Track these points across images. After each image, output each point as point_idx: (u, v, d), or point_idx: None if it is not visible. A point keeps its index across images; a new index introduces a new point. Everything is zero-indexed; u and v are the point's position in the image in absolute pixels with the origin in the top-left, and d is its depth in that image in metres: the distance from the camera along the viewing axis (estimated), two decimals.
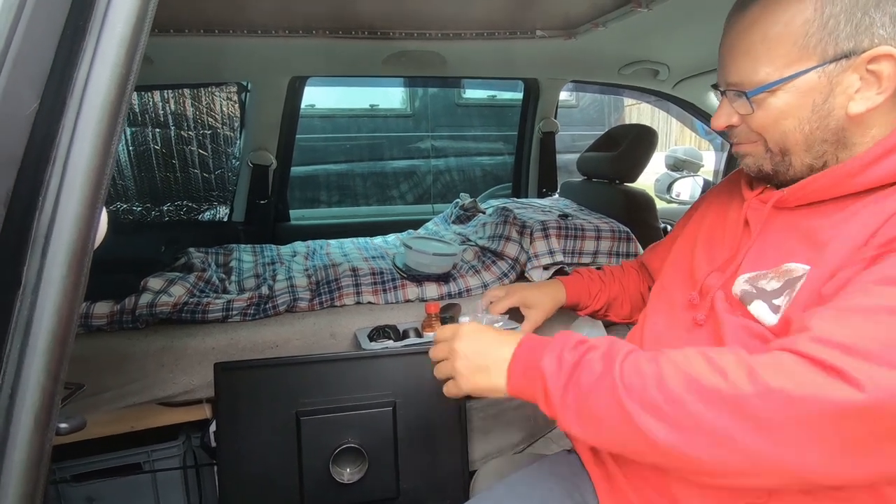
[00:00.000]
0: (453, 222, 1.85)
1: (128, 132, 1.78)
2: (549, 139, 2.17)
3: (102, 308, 1.13)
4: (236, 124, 1.85)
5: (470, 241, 1.59)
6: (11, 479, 0.27)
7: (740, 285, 0.64)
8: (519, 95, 2.18)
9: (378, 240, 1.75)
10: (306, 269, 1.38)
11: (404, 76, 2.00)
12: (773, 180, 0.67)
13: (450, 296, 1.30)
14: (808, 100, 0.59)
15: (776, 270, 0.61)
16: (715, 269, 0.70)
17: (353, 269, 1.31)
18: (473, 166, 3.82)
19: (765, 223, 0.66)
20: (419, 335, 1.13)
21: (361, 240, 1.75)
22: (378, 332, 1.14)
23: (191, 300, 1.17)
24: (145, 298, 1.15)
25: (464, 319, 1.18)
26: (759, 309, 0.61)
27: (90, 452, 1.21)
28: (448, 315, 1.17)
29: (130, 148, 1.80)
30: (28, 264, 0.28)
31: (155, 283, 1.20)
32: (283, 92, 1.75)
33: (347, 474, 0.98)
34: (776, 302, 0.60)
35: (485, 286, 1.32)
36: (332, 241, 1.72)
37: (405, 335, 1.14)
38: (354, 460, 0.99)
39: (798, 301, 0.57)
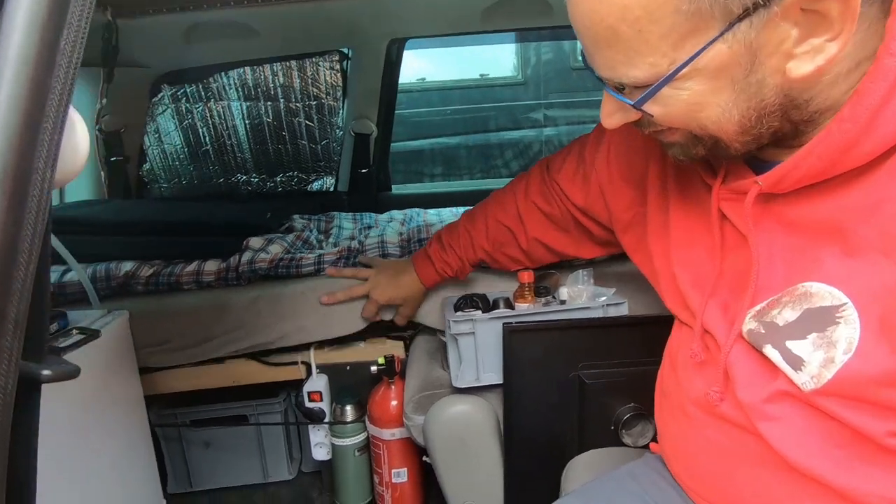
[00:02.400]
0: None
1: (243, 107, 1.88)
2: None
3: (211, 266, 1.21)
4: (339, 94, 1.86)
5: None
6: None
7: (748, 324, 0.48)
8: None
9: None
10: (400, 232, 1.38)
11: (507, 30, 1.85)
12: (718, 161, 0.50)
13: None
14: (723, 80, 0.40)
15: (790, 294, 0.45)
16: (708, 295, 0.54)
17: None
18: None
19: (755, 224, 0.48)
20: (510, 306, 1.02)
21: (461, 209, 1.68)
22: (466, 301, 1.06)
23: (286, 256, 1.22)
24: (247, 256, 1.21)
25: (562, 291, 1.06)
26: (774, 357, 0.45)
27: (205, 402, 1.31)
28: (543, 285, 1.04)
29: (246, 121, 1.90)
30: None
31: (256, 242, 1.27)
32: (381, 57, 1.71)
33: (634, 438, 0.93)
34: (795, 349, 0.43)
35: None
36: (431, 210, 1.68)
37: (495, 305, 1.05)
38: (641, 425, 0.93)
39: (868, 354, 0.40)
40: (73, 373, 0.32)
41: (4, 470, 0.27)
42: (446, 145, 3.67)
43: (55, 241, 1.06)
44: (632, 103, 0.44)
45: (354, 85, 1.82)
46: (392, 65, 1.78)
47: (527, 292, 1.05)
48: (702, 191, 0.56)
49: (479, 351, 0.96)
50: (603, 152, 0.76)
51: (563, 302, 1.03)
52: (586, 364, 0.94)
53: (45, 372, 0.30)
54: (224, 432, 1.34)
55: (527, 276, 1.03)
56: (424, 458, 1.06)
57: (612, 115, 0.48)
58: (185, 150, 1.92)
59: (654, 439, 0.78)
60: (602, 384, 0.93)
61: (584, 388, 0.92)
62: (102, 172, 1.79)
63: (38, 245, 0.27)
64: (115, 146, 1.77)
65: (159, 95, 1.82)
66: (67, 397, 0.96)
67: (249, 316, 1.16)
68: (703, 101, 0.42)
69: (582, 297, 1.00)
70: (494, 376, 0.97)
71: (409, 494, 1.21)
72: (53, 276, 1.15)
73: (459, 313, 1.02)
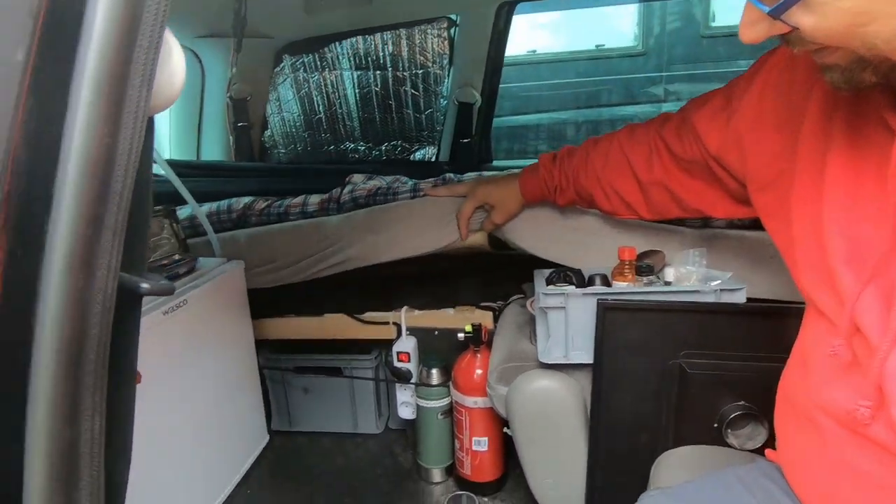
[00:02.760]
0: None
1: (354, 76, 1.94)
2: None
3: (315, 199, 1.32)
4: (445, 62, 1.85)
5: None
6: (46, 323, 0.25)
7: None
8: None
9: None
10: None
11: None
12: None
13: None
14: None
15: None
16: (867, 278, 0.42)
17: None
18: None
19: None
20: (607, 283, 0.96)
21: None
22: (558, 276, 1.01)
23: (384, 186, 1.29)
24: (348, 188, 1.31)
25: (667, 272, 0.96)
26: None
27: (306, 352, 1.41)
28: (646, 263, 0.96)
29: (356, 91, 1.97)
30: None
31: (358, 177, 1.38)
32: (489, 22, 1.67)
33: (742, 440, 0.83)
34: None
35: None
36: None
37: (590, 282, 0.99)
38: (750, 427, 0.83)
39: None
40: (168, 289, 0.34)
41: (105, 372, 0.30)
42: (553, 121, 3.53)
43: (182, 189, 1.19)
44: (769, 10, 0.35)
45: (461, 52, 1.80)
46: (500, 31, 1.73)
47: (627, 270, 0.97)
48: (880, 137, 0.44)
49: (569, 327, 0.91)
50: (755, 90, 0.64)
51: (667, 284, 0.94)
52: (690, 353, 0.85)
53: (144, 285, 0.32)
54: (321, 381, 1.43)
55: (628, 253, 0.95)
56: (506, 430, 1.04)
57: (754, 24, 0.38)
58: (301, 118, 2.04)
59: (770, 445, 0.68)
60: (707, 376, 0.84)
61: (685, 377, 0.84)
62: (231, 137, 1.97)
63: (134, 160, 0.29)
64: (241, 113, 1.94)
65: (280, 65, 1.95)
66: (190, 333, 1.08)
67: (344, 230, 1.22)
68: (872, 10, 0.32)
69: (691, 279, 0.91)
70: (584, 355, 0.92)
71: (489, 463, 1.21)
72: (185, 225, 1.29)
73: (551, 287, 0.97)
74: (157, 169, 1.18)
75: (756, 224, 0.85)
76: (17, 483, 0.26)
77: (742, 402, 0.82)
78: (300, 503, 1.23)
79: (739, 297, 0.86)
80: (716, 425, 0.83)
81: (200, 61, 1.91)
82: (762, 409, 0.82)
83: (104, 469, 0.32)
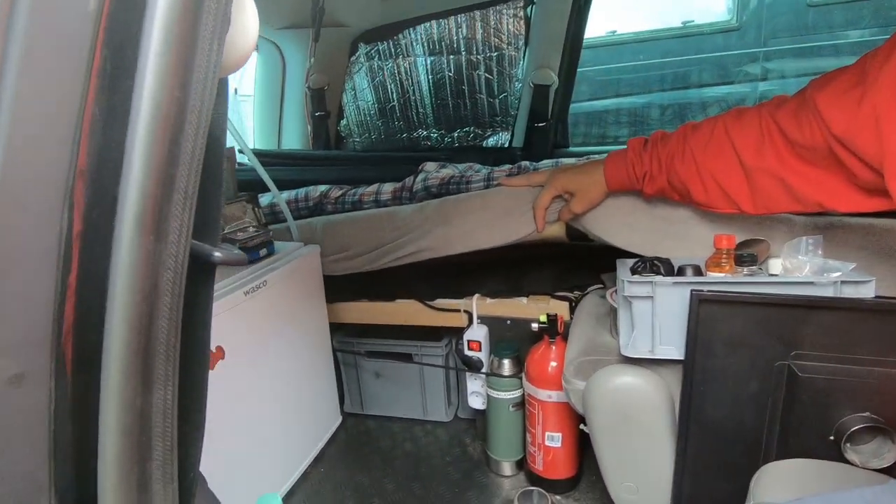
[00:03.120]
0: None
1: (427, 62, 1.93)
2: None
3: (388, 188, 1.34)
4: (521, 43, 1.79)
5: None
6: (117, 286, 0.24)
7: None
8: None
9: None
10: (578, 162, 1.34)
11: None
12: None
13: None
14: None
15: None
16: None
17: None
18: None
19: None
20: (699, 273, 0.87)
21: None
22: (645, 265, 0.93)
23: (456, 174, 1.28)
24: (420, 177, 1.31)
25: (772, 263, 0.86)
26: None
27: (378, 336, 1.42)
28: (747, 253, 0.86)
29: (430, 77, 1.95)
30: None
31: (431, 165, 1.38)
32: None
33: (865, 457, 0.72)
34: None
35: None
36: None
37: (680, 272, 0.90)
38: (876, 442, 0.73)
39: None
40: (242, 259, 0.33)
41: (177, 343, 0.29)
42: (634, 105, 3.33)
43: (266, 178, 1.23)
44: None
45: (538, 32, 1.72)
46: (580, 7, 1.63)
47: (724, 260, 0.87)
48: None
49: (656, 319, 0.84)
50: (894, 61, 0.57)
51: (772, 275, 0.84)
52: (802, 353, 0.74)
53: (217, 254, 0.31)
54: (392, 366, 1.44)
55: (726, 241, 0.86)
56: (582, 427, 0.98)
57: None
58: (375, 106, 2.06)
59: None
60: (822, 381, 0.73)
61: (795, 381, 0.74)
62: (308, 126, 2.03)
63: (205, 120, 0.27)
64: (319, 102, 1.98)
65: (356, 54, 1.98)
66: (269, 313, 1.12)
67: (416, 221, 1.21)
68: None
69: (804, 269, 0.80)
70: (674, 350, 0.84)
71: (562, 460, 1.16)
72: (265, 212, 1.34)
73: (636, 276, 0.90)
74: (242, 158, 1.23)
75: (887, 212, 0.73)
76: (93, 452, 0.26)
77: (867, 414, 0.71)
78: (371, 485, 1.24)
79: (867, 291, 0.74)
80: (832, 438, 0.73)
81: (282, 53, 1.98)
82: (891, 421, 0.70)
83: (177, 442, 0.31)
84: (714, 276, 0.86)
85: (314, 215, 1.37)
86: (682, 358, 0.82)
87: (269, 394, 1.14)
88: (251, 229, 1.18)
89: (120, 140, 0.24)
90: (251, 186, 1.26)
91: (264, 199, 1.36)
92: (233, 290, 1.00)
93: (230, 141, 1.15)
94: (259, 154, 1.42)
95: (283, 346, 1.17)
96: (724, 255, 0.86)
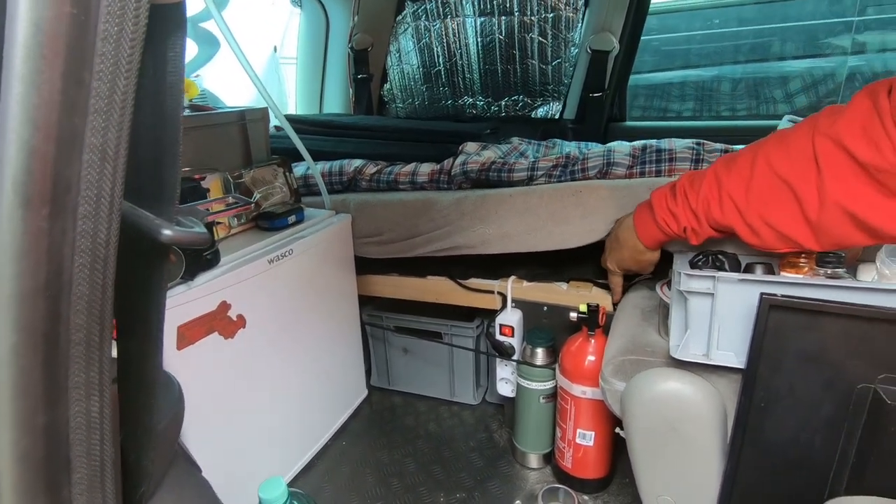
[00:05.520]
0: None
1: (477, 23, 1.80)
2: None
3: (426, 168, 1.26)
4: (580, 4, 1.63)
5: None
6: None
7: None
8: None
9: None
10: (632, 145, 1.20)
11: None
12: None
13: None
14: None
15: None
16: None
17: (695, 151, 1.06)
18: None
19: None
20: (771, 272, 0.75)
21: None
22: (706, 260, 0.82)
23: (498, 160, 1.19)
24: (460, 159, 1.22)
25: (866, 267, 0.73)
26: None
27: (408, 312, 1.37)
28: (832, 252, 0.73)
29: (479, 39, 1.83)
30: None
31: (471, 146, 1.28)
32: None
33: None
34: None
35: None
36: (679, 141, 1.39)
37: (748, 269, 0.78)
38: None
39: None
40: (201, 239, 0.26)
41: (106, 342, 0.23)
42: (701, 78, 3.06)
43: (300, 146, 1.18)
44: None
45: None
46: None
47: (803, 261, 0.75)
48: None
49: (715, 320, 0.73)
50: None
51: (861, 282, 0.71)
52: (893, 377, 0.63)
53: (166, 231, 0.24)
54: (421, 344, 1.39)
55: None
56: (618, 430, 0.90)
57: None
58: (420, 70, 1.96)
59: None
60: None
61: (881, 408, 0.63)
62: (350, 89, 1.96)
63: (132, 50, 0.20)
64: (362, 64, 1.90)
65: (403, 13, 1.87)
66: (295, 282, 1.08)
67: (453, 216, 1.15)
68: None
69: None
70: (733, 358, 0.73)
71: (593, 460, 1.08)
72: (299, 184, 1.29)
73: (695, 271, 0.79)
74: (275, 121, 1.18)
75: None
76: None
77: None
78: (391, 464, 1.21)
79: None
80: None
81: (326, 11, 1.90)
82: None
83: (121, 452, 0.26)
84: (789, 276, 0.74)
85: (347, 191, 1.31)
86: (741, 367, 0.72)
87: (293, 364, 1.11)
88: (280, 195, 1.14)
89: None
90: (285, 155, 1.21)
91: (298, 170, 1.31)
92: (255, 259, 0.96)
93: (260, 101, 1.10)
94: (293, 120, 1.36)
95: (309, 316, 1.14)
96: (804, 255, 0.74)
